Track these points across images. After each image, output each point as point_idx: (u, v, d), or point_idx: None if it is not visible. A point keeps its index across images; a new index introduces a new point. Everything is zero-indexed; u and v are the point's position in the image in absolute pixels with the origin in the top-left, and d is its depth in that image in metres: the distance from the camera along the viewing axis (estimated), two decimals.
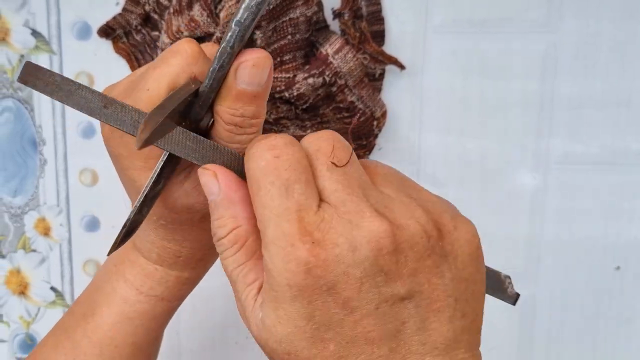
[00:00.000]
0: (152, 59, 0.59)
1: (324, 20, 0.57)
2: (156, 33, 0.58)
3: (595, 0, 0.58)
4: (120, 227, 0.36)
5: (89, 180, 0.62)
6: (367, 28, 0.57)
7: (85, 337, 0.42)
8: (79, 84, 0.33)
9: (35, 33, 0.60)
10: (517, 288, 0.38)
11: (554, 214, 0.61)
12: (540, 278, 0.62)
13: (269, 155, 0.31)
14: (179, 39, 0.53)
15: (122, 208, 0.61)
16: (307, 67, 0.56)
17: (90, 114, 0.33)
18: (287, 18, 0.55)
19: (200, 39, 0.55)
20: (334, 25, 0.58)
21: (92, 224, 0.63)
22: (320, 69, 0.55)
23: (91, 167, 0.61)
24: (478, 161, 0.60)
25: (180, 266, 0.41)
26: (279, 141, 0.31)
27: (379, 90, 0.59)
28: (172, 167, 0.36)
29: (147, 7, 0.58)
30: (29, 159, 0.62)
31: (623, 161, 0.60)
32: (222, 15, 0.54)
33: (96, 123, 0.60)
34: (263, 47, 0.54)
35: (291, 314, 0.30)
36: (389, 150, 0.60)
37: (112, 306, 0.42)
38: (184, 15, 0.55)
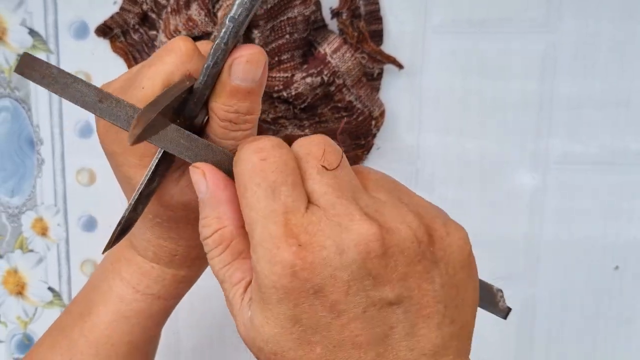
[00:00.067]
0: None
1: (322, 20, 0.57)
2: (154, 32, 0.58)
3: (595, 0, 0.57)
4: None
5: (86, 180, 0.62)
6: (365, 27, 0.57)
7: (82, 337, 0.42)
8: (75, 77, 0.33)
9: (32, 32, 0.59)
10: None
11: (553, 214, 0.61)
12: (540, 278, 0.61)
13: (256, 158, 0.31)
14: None
15: (119, 208, 0.60)
16: (305, 66, 0.55)
17: (85, 108, 0.33)
18: (285, 17, 0.55)
19: (198, 39, 0.55)
20: (332, 24, 0.57)
21: (90, 224, 0.62)
22: (319, 69, 0.55)
23: (88, 166, 0.61)
24: (477, 161, 0.60)
25: (176, 264, 0.41)
26: (267, 144, 0.31)
27: (377, 89, 0.58)
28: (167, 164, 0.36)
29: (144, 6, 0.58)
30: (27, 159, 0.62)
31: (622, 161, 0.60)
32: (219, 14, 0.54)
33: (93, 123, 0.60)
34: (261, 47, 0.54)
35: (278, 316, 0.30)
36: (387, 150, 0.60)
37: (108, 305, 0.42)
38: (182, 15, 0.55)
